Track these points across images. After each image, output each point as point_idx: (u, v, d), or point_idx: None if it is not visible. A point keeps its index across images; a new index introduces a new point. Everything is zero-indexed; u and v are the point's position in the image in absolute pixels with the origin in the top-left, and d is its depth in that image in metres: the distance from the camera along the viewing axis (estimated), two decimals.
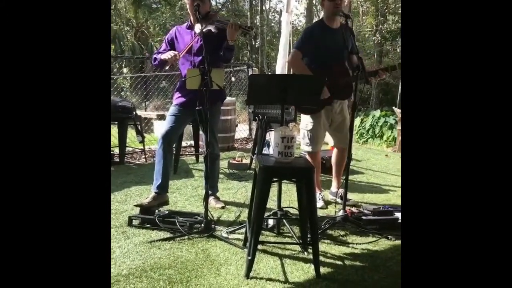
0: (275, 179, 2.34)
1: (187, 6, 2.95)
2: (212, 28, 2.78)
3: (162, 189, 2.94)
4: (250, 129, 6.79)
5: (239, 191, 3.64)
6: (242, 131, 6.79)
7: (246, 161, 4.55)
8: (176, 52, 2.86)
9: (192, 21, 2.95)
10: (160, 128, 3.71)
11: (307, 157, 3.29)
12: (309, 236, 2.29)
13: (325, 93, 2.98)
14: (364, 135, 7.64)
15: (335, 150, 3.43)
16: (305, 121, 3.25)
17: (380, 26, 11.97)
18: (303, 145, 3.30)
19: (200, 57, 2.83)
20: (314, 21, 15.09)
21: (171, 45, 3.02)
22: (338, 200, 3.24)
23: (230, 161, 4.52)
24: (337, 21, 3.10)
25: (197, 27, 2.76)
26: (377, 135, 7.57)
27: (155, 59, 2.97)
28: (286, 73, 4.33)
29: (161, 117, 8.84)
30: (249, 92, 2.52)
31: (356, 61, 3.09)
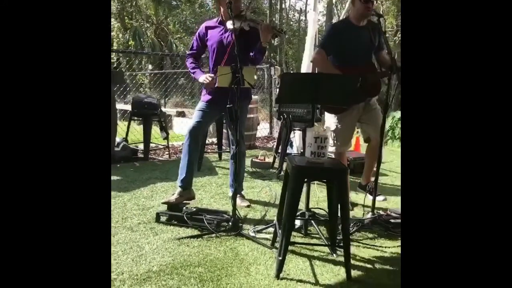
0: (307, 180, 2.32)
1: (220, 2, 2.94)
2: (244, 25, 2.77)
3: (187, 183, 2.93)
4: (271, 128, 6.77)
5: (263, 190, 3.63)
6: (263, 129, 6.78)
7: (269, 159, 4.53)
8: (212, 76, 2.85)
9: (224, 18, 2.94)
10: (186, 124, 3.73)
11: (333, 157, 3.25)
12: (339, 238, 2.27)
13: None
14: (384, 136, 7.55)
15: (369, 143, 3.29)
16: (331, 121, 3.19)
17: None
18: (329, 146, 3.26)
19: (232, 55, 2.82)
20: (333, 19, 15.04)
21: (202, 41, 3.02)
22: (368, 196, 3.16)
23: (253, 159, 4.51)
24: (363, 18, 3.03)
25: (229, 24, 2.75)
26: (397, 136, 7.47)
27: (193, 72, 3.02)
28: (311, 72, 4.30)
29: (181, 114, 8.91)
30: (280, 91, 2.51)
31: (387, 58, 3.01)
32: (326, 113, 3.25)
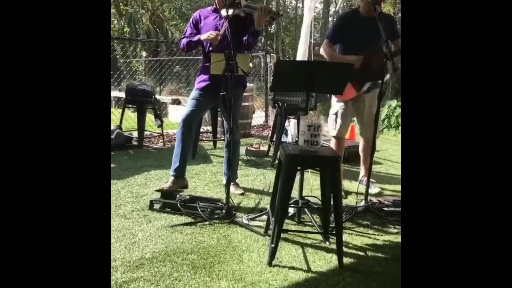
0: (300, 168, 2.32)
1: None
2: (240, 12, 2.73)
3: (179, 172, 2.93)
4: (267, 116, 6.75)
5: (257, 178, 3.64)
6: (258, 117, 6.75)
7: (264, 148, 4.53)
8: (216, 32, 2.79)
9: (218, 6, 2.90)
10: (180, 112, 3.71)
11: (332, 141, 3.38)
12: (331, 225, 2.28)
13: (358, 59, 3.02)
14: (380, 125, 7.56)
15: (361, 139, 3.45)
16: (335, 107, 3.34)
17: (399, 14, 11.74)
18: (330, 130, 3.40)
19: (226, 42, 2.79)
20: (330, 7, 14.92)
21: (196, 28, 2.99)
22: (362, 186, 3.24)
23: (248, 147, 4.50)
24: (372, 10, 3.05)
25: (224, 11, 2.72)
26: (393, 125, 7.49)
27: (187, 43, 2.95)
28: (307, 59, 4.28)
29: (176, 102, 8.86)
30: (274, 79, 2.49)
31: (399, 46, 3.07)
32: (333, 98, 3.40)
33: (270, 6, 15.41)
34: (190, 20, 3.03)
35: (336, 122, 3.31)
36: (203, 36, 2.84)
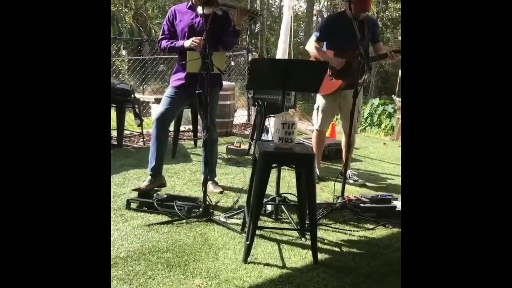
0: (274, 165, 2.33)
1: None
2: (217, 10, 2.72)
3: (156, 171, 2.91)
4: (249, 115, 6.75)
5: (237, 176, 3.64)
6: (240, 116, 6.75)
7: (245, 146, 4.53)
8: (200, 38, 2.68)
9: (194, 2, 2.88)
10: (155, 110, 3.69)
11: (314, 133, 3.59)
12: (307, 222, 2.30)
13: (340, 63, 3.23)
14: (362, 123, 7.63)
15: (343, 134, 3.58)
16: (318, 102, 3.55)
17: (382, 13, 11.87)
18: (314, 123, 3.61)
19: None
20: (314, 6, 15.01)
21: (172, 25, 2.95)
22: (350, 181, 3.54)
23: (229, 146, 4.50)
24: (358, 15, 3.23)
25: (200, 9, 2.70)
26: (375, 123, 7.57)
27: (169, 48, 2.90)
28: (287, 58, 4.30)
29: (159, 101, 8.78)
30: (250, 77, 2.50)
31: (382, 49, 3.30)
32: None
33: (254, 5, 15.41)
34: (166, 17, 2.99)
35: (318, 116, 3.49)
36: (186, 43, 2.76)
